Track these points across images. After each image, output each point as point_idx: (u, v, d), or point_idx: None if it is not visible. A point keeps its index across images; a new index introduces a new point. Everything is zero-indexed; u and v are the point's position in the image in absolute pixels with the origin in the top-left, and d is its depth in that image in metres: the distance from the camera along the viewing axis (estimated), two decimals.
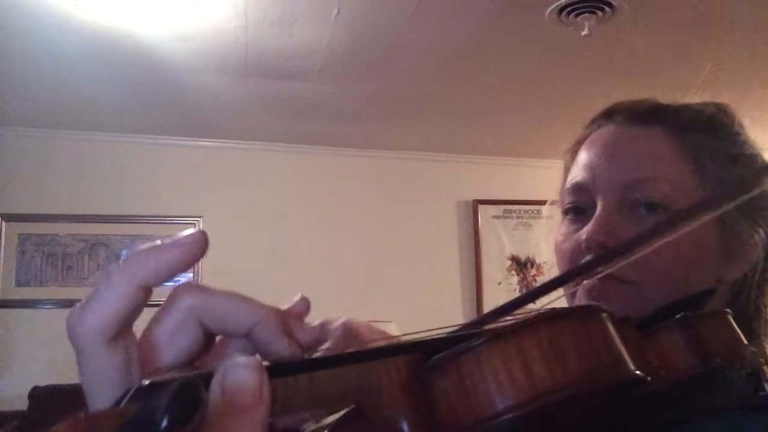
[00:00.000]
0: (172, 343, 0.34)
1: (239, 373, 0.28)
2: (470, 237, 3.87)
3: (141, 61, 2.53)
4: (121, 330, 0.33)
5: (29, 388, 2.83)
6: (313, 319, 0.43)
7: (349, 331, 0.81)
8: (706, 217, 0.56)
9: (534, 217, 3.94)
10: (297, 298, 0.42)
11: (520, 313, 0.48)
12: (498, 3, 2.19)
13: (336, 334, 0.79)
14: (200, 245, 0.38)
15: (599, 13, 2.23)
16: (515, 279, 3.90)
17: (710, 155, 0.66)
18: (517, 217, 3.93)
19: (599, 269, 0.59)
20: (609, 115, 0.73)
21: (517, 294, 3.92)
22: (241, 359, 0.29)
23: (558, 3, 2.19)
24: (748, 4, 2.21)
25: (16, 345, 3.19)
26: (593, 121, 0.75)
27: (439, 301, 3.70)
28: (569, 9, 2.22)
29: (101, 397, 0.32)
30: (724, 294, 0.65)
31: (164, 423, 0.24)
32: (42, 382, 2.87)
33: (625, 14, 2.24)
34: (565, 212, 0.72)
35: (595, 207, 0.67)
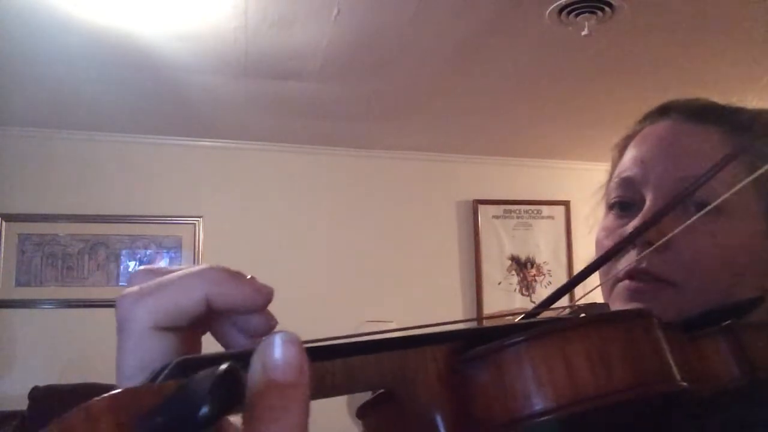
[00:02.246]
0: (143, 367, 0.32)
1: (283, 348, 0.27)
2: (470, 237, 3.87)
3: (141, 61, 2.53)
4: (175, 327, 0.32)
5: (29, 388, 2.83)
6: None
7: None
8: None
9: (534, 217, 3.94)
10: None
11: (569, 307, 0.47)
12: (498, 3, 2.19)
13: None
14: (266, 300, 0.34)
15: (599, 13, 2.23)
16: (515, 279, 3.90)
17: (766, 160, 0.62)
18: (517, 217, 3.93)
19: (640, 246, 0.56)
20: (664, 111, 0.71)
21: (517, 294, 3.93)
22: (281, 334, 0.28)
23: (558, 3, 2.19)
24: (749, 4, 2.21)
25: (16, 345, 3.18)
26: (645, 117, 0.73)
27: (439, 301, 3.70)
28: (569, 9, 2.22)
29: (134, 381, 0.31)
30: None
31: (204, 410, 0.23)
32: (42, 382, 2.87)
33: (625, 14, 2.24)
34: (611, 207, 0.69)
35: (643, 203, 0.64)
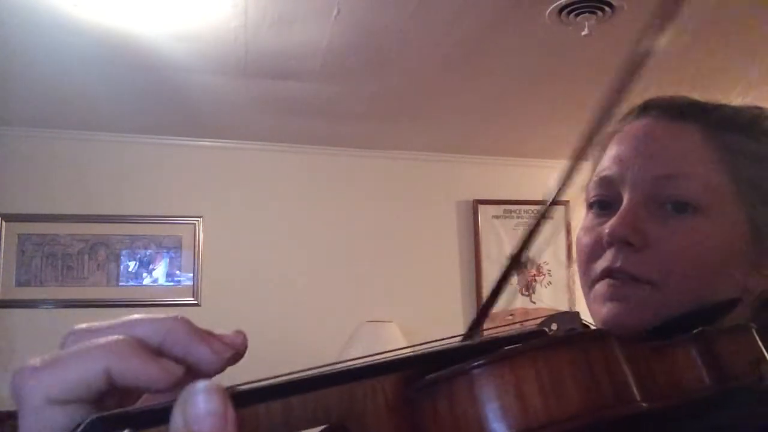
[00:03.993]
0: None
1: (204, 398, 0.26)
2: (470, 237, 3.87)
3: (141, 61, 2.53)
4: (76, 399, 0.31)
5: None
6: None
7: None
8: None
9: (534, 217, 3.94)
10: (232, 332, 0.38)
11: (540, 318, 0.46)
12: (498, 3, 2.19)
13: None
14: (174, 382, 0.31)
15: (599, 13, 2.23)
16: (515, 279, 3.90)
17: (747, 157, 0.63)
18: (517, 217, 3.93)
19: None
20: (643, 109, 0.70)
21: (516, 294, 3.93)
22: (200, 384, 0.27)
23: (558, 3, 2.19)
24: (749, 3, 2.21)
25: (16, 345, 3.18)
26: (626, 115, 0.72)
27: (439, 301, 3.70)
28: (569, 9, 2.22)
29: None
30: (750, 305, 0.61)
31: None
32: None
33: (625, 14, 2.24)
34: (590, 206, 0.69)
35: (621, 202, 0.64)
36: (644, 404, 0.35)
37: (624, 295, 0.60)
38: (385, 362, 0.35)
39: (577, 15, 2.24)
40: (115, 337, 0.32)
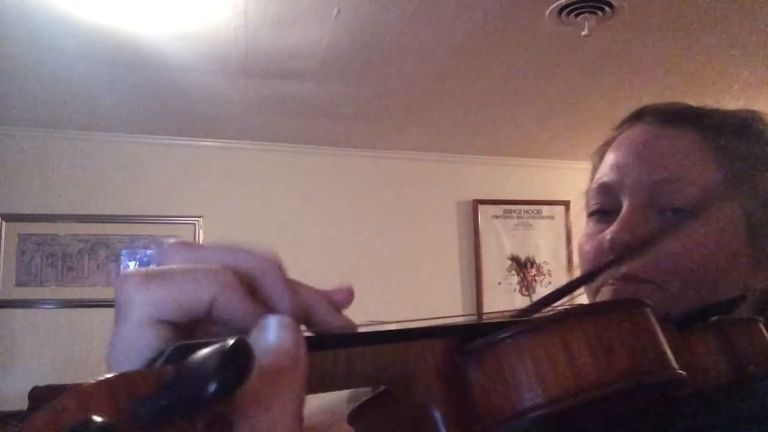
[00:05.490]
0: (135, 357, 0.29)
1: (277, 333, 0.25)
2: (470, 237, 3.87)
3: (141, 61, 2.53)
4: (173, 321, 0.30)
5: (29, 388, 2.83)
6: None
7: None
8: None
9: (534, 217, 3.94)
10: (343, 284, 0.37)
11: (560, 305, 0.46)
12: (498, 3, 2.19)
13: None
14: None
15: (599, 13, 2.23)
16: (515, 279, 3.90)
17: (742, 160, 0.64)
18: (517, 217, 3.93)
19: (623, 267, 0.57)
20: (638, 116, 0.71)
21: (516, 294, 3.93)
22: (275, 318, 0.26)
23: (558, 3, 2.19)
24: (749, 3, 2.21)
25: (16, 345, 3.18)
26: (622, 123, 0.74)
27: (439, 301, 3.70)
28: (569, 9, 2.22)
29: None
30: (753, 303, 0.62)
31: (212, 388, 0.21)
32: (42, 382, 2.86)
33: (625, 14, 2.24)
34: (591, 214, 0.70)
35: (621, 208, 0.65)
36: (683, 372, 0.35)
37: (633, 294, 0.60)
38: (439, 327, 0.35)
39: (577, 15, 2.24)
40: (224, 268, 0.31)
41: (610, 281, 0.62)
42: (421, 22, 2.30)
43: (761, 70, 2.62)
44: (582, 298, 0.67)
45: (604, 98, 2.95)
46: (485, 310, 3.78)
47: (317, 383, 0.30)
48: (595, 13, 2.23)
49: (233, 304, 0.30)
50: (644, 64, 2.64)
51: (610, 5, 2.19)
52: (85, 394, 0.21)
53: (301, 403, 0.25)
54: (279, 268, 0.34)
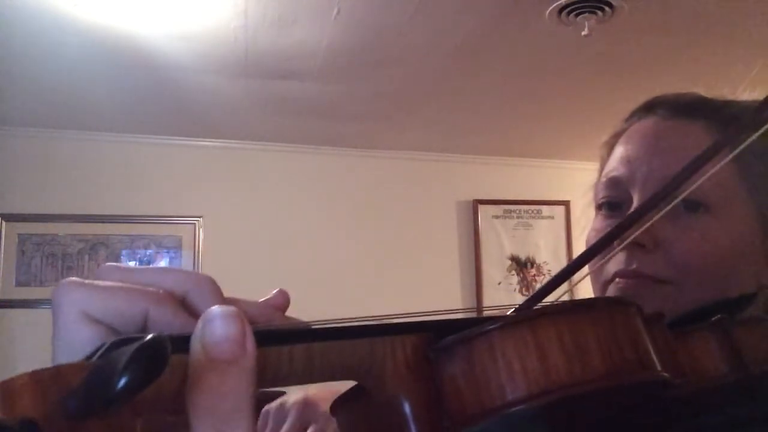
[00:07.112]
0: (70, 345, 0.31)
1: (218, 324, 0.26)
2: (470, 237, 3.87)
3: (141, 61, 2.53)
4: (108, 323, 0.31)
5: None
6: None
7: (306, 406, 0.78)
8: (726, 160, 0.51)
9: (534, 217, 3.94)
10: (275, 291, 0.38)
11: (549, 302, 0.46)
12: (498, 3, 2.19)
13: (293, 412, 0.77)
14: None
15: (599, 13, 2.23)
16: (515, 279, 3.90)
17: (755, 153, 0.61)
18: (517, 217, 3.93)
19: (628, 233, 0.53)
20: (650, 107, 0.69)
21: (517, 294, 3.93)
22: (219, 308, 0.26)
23: (558, 3, 2.19)
24: (749, 3, 2.21)
25: (16, 345, 3.18)
26: (633, 114, 0.71)
27: (439, 301, 3.70)
28: (569, 9, 2.22)
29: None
30: (765, 300, 0.61)
31: (120, 383, 0.21)
32: None
33: (625, 14, 2.24)
34: (599, 207, 0.68)
35: (630, 202, 0.63)
36: (665, 374, 0.34)
37: (639, 295, 0.59)
38: (411, 323, 0.35)
39: (577, 15, 2.24)
40: (156, 289, 0.33)
41: (617, 279, 0.61)
42: (421, 22, 2.30)
43: (762, 71, 2.61)
44: (589, 293, 0.66)
45: (604, 98, 2.95)
46: (485, 310, 3.78)
47: (273, 377, 0.30)
48: (595, 13, 2.23)
49: (168, 318, 0.31)
50: (644, 64, 2.64)
51: (610, 5, 2.19)
52: (7, 390, 0.22)
53: (249, 396, 0.25)
54: (212, 284, 0.34)
